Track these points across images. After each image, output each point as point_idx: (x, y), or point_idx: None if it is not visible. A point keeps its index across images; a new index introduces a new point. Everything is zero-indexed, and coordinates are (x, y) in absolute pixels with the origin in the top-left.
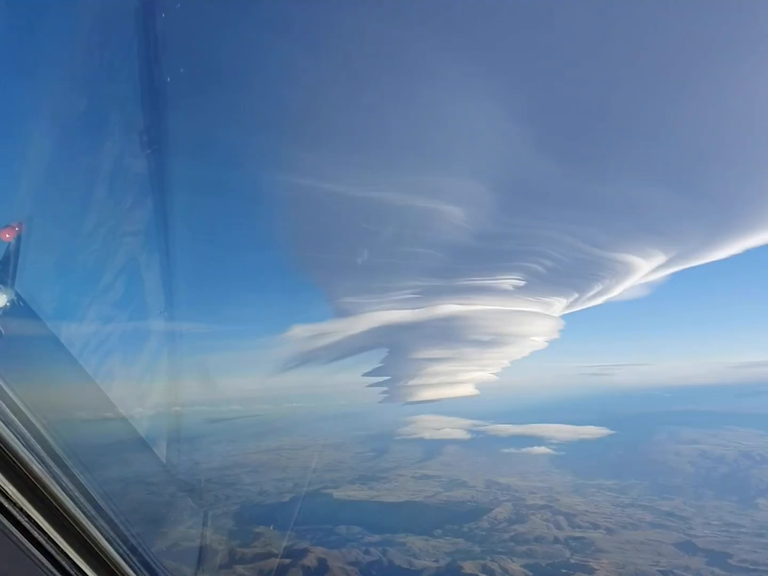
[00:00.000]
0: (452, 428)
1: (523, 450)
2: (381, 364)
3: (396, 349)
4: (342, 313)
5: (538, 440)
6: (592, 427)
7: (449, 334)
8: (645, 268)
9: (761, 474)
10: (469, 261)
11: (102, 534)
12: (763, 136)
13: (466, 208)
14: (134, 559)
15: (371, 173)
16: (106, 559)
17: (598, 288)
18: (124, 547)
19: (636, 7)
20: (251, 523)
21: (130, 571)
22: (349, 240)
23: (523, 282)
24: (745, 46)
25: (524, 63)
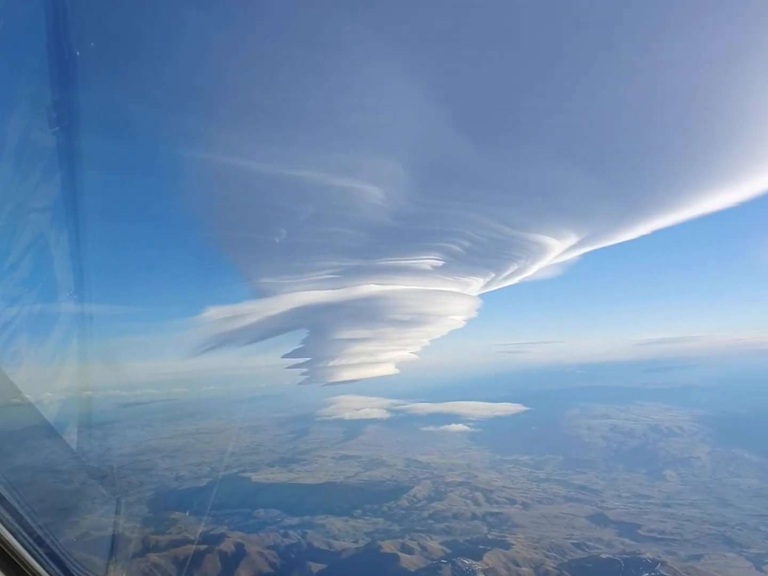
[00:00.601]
0: (372, 408)
1: (442, 428)
2: (301, 346)
3: (316, 330)
4: (260, 294)
5: (455, 418)
6: (508, 404)
7: (369, 314)
8: (558, 249)
9: (668, 446)
10: (389, 241)
11: (5, 526)
12: (672, 121)
13: (385, 188)
14: (41, 551)
15: (289, 151)
16: (9, 553)
17: (513, 268)
18: (30, 540)
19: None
20: (167, 509)
21: (37, 565)
22: (266, 219)
23: (442, 262)
24: (656, 32)
25: (445, 44)
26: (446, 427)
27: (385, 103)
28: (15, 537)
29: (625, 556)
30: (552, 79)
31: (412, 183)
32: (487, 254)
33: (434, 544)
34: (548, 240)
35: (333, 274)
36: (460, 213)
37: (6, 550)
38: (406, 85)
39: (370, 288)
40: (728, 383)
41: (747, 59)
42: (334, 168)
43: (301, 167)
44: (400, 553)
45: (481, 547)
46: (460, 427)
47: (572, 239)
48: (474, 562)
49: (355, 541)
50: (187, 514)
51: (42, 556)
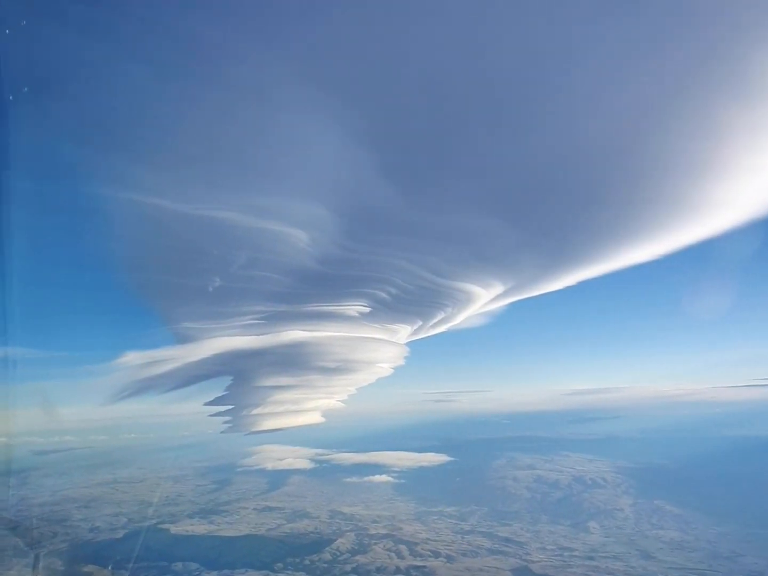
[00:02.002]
0: (296, 458)
1: (366, 479)
2: (223, 393)
3: (239, 377)
4: (181, 339)
5: (380, 468)
6: (433, 454)
7: (295, 361)
8: (485, 298)
9: (592, 498)
10: (314, 286)
11: None
12: (597, 173)
13: (310, 232)
14: None
15: (210, 193)
16: None
17: (440, 316)
18: None
19: (476, 42)
20: (81, 562)
21: None
22: (187, 261)
23: (369, 309)
24: (574, 79)
25: (371, 89)
26: (371, 477)
27: (309, 146)
28: None
29: None
30: (476, 128)
31: (338, 227)
32: (414, 302)
33: None
34: (475, 289)
35: (257, 320)
36: (386, 259)
37: None
38: (330, 128)
39: (295, 334)
40: (651, 434)
41: (675, 113)
42: (257, 210)
43: (223, 209)
44: None
45: None
46: (384, 477)
47: (498, 288)
48: None
49: None
50: (107, 568)
51: None
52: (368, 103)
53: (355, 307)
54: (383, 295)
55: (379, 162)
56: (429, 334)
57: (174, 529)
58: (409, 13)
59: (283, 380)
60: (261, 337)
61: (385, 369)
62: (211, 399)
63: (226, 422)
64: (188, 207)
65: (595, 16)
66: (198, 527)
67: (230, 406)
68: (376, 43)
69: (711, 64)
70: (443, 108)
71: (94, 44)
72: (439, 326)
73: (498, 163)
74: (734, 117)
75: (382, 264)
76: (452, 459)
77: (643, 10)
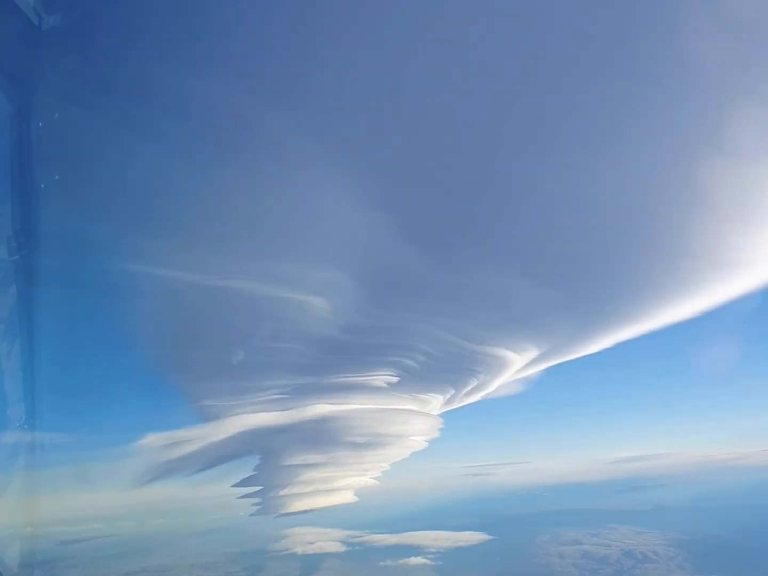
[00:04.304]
0: (327, 540)
1: (400, 561)
2: (250, 474)
3: (266, 455)
4: (203, 417)
5: (416, 550)
6: (471, 532)
7: (323, 436)
8: (518, 363)
9: (643, 574)
10: (338, 356)
11: None
12: (626, 227)
13: (331, 299)
14: None
15: (225, 262)
16: None
17: (473, 383)
18: None
19: (497, 101)
20: None
21: None
22: (205, 335)
23: (397, 378)
24: (604, 134)
25: (386, 151)
26: (405, 560)
27: (325, 210)
28: None
29: None
30: (502, 184)
31: (360, 294)
32: (444, 369)
33: None
34: (507, 353)
35: (281, 394)
36: (412, 325)
37: None
38: (346, 191)
39: (321, 408)
40: (701, 503)
41: (708, 166)
42: (274, 279)
43: (241, 278)
44: None
45: None
46: (419, 560)
47: (532, 353)
48: None
49: None
50: None
51: None
52: (385, 165)
53: (383, 377)
54: (411, 363)
55: (399, 223)
56: (463, 404)
57: None
58: (426, 76)
59: (312, 458)
60: (286, 412)
61: (418, 442)
62: (238, 480)
63: (254, 504)
64: (204, 278)
65: (618, 73)
66: None
67: (258, 488)
68: (392, 105)
69: (740, 112)
70: (465, 164)
71: (115, 129)
72: (472, 395)
73: (525, 220)
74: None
75: (409, 330)
76: (492, 537)
77: (662, 63)
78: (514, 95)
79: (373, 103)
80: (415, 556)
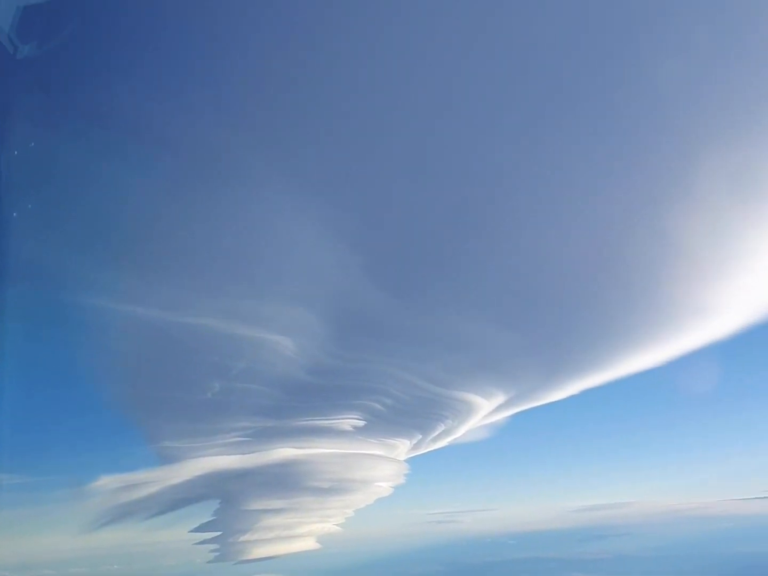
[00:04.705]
0: None
1: None
2: (210, 518)
3: (226, 500)
4: (161, 459)
5: None
6: None
7: (285, 481)
8: (486, 408)
9: None
10: (304, 398)
11: None
12: (594, 275)
13: (297, 339)
14: None
15: (188, 298)
16: None
17: (441, 428)
18: None
19: (465, 146)
20: None
21: None
22: (166, 373)
23: (364, 422)
24: (572, 184)
25: (357, 191)
26: None
27: (294, 249)
28: None
29: None
30: (471, 230)
31: (327, 334)
32: (412, 413)
33: None
34: (475, 398)
35: (243, 437)
36: (380, 367)
37: None
38: (316, 230)
39: (285, 452)
40: (662, 551)
41: (675, 214)
42: (240, 316)
43: (205, 315)
44: None
45: None
46: None
47: (500, 398)
48: None
49: None
50: None
51: None
52: (357, 205)
53: (349, 421)
54: (378, 406)
55: (369, 264)
56: (430, 449)
57: None
58: (398, 119)
59: (274, 503)
60: (248, 455)
61: (384, 488)
62: (197, 525)
63: (213, 551)
64: (167, 314)
65: (585, 114)
66: None
67: (217, 533)
68: (365, 146)
69: (712, 160)
70: (437, 209)
71: (90, 159)
72: (440, 440)
73: (494, 266)
74: (737, 216)
75: (376, 373)
76: None
77: (638, 106)
78: (484, 147)
79: (345, 143)
80: None
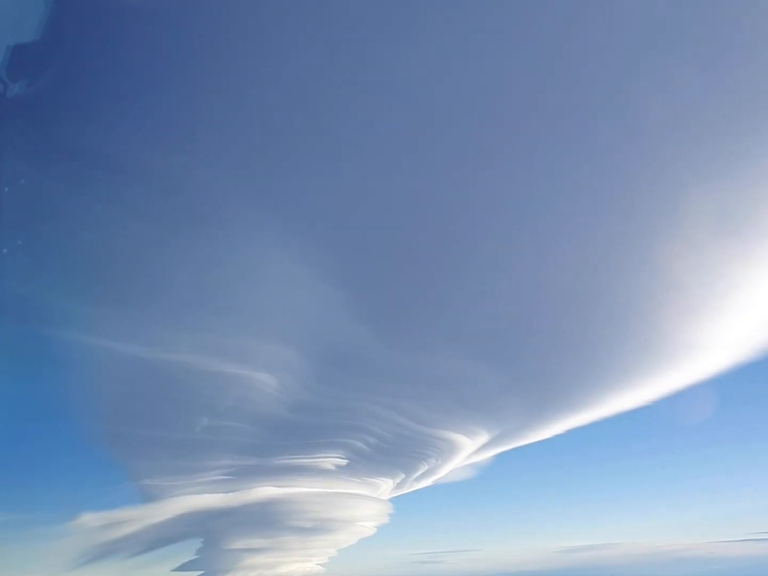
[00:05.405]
0: None
1: None
2: (192, 557)
3: (208, 539)
4: (143, 497)
5: None
6: None
7: (267, 520)
8: (470, 447)
9: None
10: (286, 437)
11: None
12: (580, 312)
13: (279, 377)
14: None
15: (169, 334)
16: None
17: (424, 468)
18: None
19: (447, 180)
20: None
21: None
22: (147, 410)
23: (346, 461)
24: (559, 219)
25: (338, 228)
26: None
27: (275, 285)
28: None
29: None
30: (454, 267)
31: (309, 372)
32: (395, 452)
33: None
34: (459, 438)
35: (225, 475)
36: (362, 405)
37: None
38: (297, 267)
39: (267, 490)
40: None
41: (665, 250)
42: (221, 353)
43: (186, 352)
44: None
45: None
46: None
47: (484, 437)
48: None
49: None
50: None
51: None
52: (338, 241)
53: (332, 460)
54: (361, 445)
55: (352, 302)
56: (413, 489)
57: None
58: (378, 153)
59: (256, 542)
60: (230, 494)
61: (367, 528)
62: (179, 564)
63: None
64: (148, 351)
65: (578, 153)
66: None
67: (199, 572)
68: (343, 180)
69: (702, 197)
70: (418, 246)
71: (80, 198)
72: (423, 479)
73: (478, 303)
74: (728, 252)
75: (359, 411)
76: None
77: (629, 148)
78: (468, 188)
79: (326, 183)
80: None
